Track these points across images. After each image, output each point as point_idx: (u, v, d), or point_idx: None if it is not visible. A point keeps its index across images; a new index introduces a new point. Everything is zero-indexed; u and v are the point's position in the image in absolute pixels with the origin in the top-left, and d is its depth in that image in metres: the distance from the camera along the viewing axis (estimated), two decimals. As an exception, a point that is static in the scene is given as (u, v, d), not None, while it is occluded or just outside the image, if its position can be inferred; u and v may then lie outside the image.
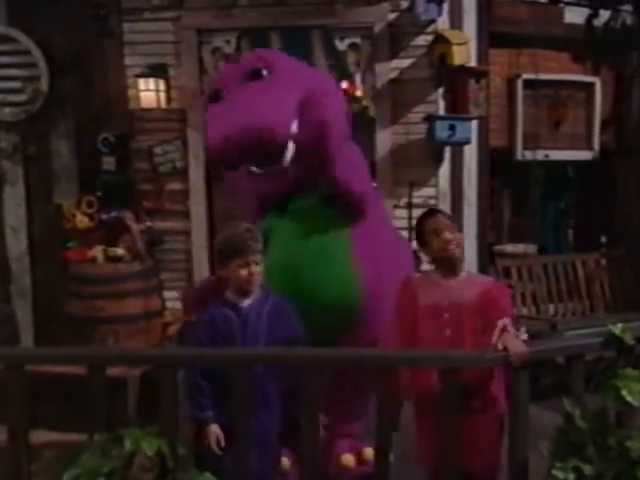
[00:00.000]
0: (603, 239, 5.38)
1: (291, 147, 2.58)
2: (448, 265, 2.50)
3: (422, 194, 4.60)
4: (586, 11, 4.96)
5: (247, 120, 2.40)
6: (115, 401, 2.47)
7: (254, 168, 2.66)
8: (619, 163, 5.33)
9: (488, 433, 2.46)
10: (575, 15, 4.97)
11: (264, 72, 2.62)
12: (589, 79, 5.14)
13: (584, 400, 2.36)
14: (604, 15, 5.01)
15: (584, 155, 5.17)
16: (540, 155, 4.94)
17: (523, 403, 2.36)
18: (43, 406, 2.89)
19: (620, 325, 2.45)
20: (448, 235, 2.47)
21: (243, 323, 2.47)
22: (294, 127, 2.58)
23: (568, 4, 4.91)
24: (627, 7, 5.05)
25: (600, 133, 5.19)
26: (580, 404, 2.33)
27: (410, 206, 4.56)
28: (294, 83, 2.65)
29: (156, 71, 4.66)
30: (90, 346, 4.01)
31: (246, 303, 2.51)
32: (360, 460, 3.01)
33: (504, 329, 2.31)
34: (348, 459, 3.00)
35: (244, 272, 2.49)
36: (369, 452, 2.88)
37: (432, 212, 2.66)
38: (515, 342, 2.28)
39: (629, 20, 5.07)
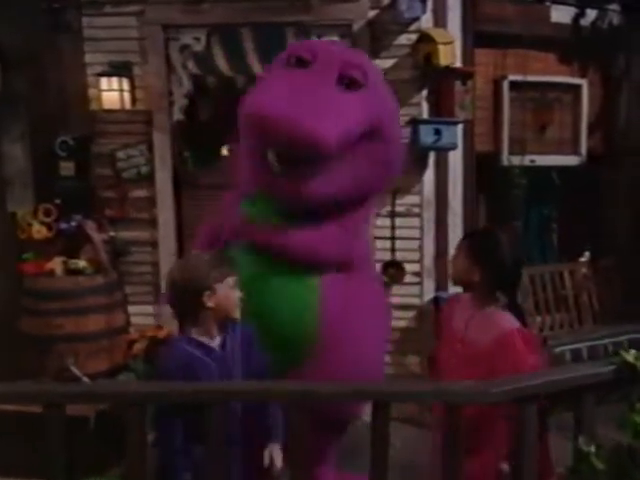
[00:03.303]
0: (588, 247, 5.22)
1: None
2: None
3: (405, 202, 4.36)
4: (573, 10, 4.79)
5: (303, 119, 2.30)
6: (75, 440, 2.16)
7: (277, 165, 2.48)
8: (607, 168, 5.16)
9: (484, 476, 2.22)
10: (562, 14, 4.79)
11: (360, 85, 2.53)
12: (576, 81, 4.95)
13: (598, 436, 2.15)
14: (591, 14, 4.85)
15: (571, 160, 4.99)
16: (526, 160, 4.74)
17: (530, 441, 2.14)
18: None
19: (633, 352, 2.25)
20: None
21: (220, 368, 2.15)
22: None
23: (555, 2, 4.73)
24: (614, 6, 4.90)
25: (587, 137, 5.01)
26: (595, 441, 2.11)
27: (393, 215, 4.33)
28: (372, 106, 2.54)
29: (119, 69, 4.37)
30: (48, 383, 3.70)
31: (217, 342, 2.19)
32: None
33: None
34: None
35: (237, 293, 2.19)
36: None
37: None
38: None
39: (616, 20, 4.93)
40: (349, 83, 2.50)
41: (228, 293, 2.16)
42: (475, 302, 2.32)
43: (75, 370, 3.89)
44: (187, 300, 2.12)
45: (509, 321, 2.25)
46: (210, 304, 2.12)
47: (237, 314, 2.20)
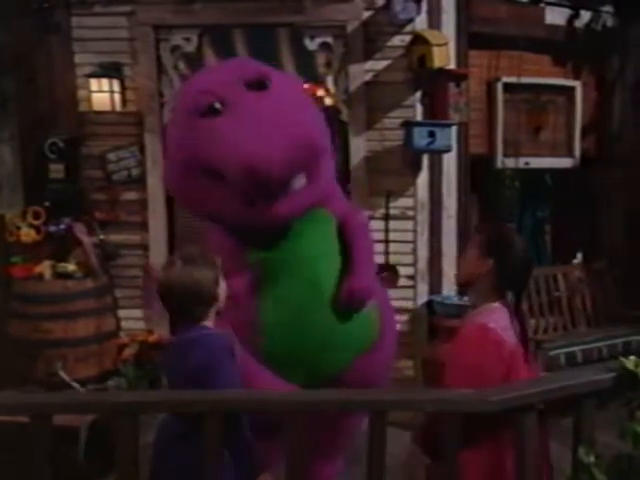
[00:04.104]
0: (581, 250, 5.21)
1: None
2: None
3: (399, 204, 4.33)
4: (567, 12, 4.77)
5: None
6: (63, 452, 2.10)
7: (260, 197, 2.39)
8: (600, 170, 5.13)
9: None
10: (556, 16, 4.77)
11: (267, 82, 2.46)
12: (570, 83, 4.93)
13: (597, 443, 2.12)
14: (585, 16, 4.84)
15: (565, 162, 4.96)
16: (520, 162, 4.71)
17: (530, 449, 2.09)
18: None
19: (633, 358, 2.21)
20: None
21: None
22: None
23: (549, 4, 4.71)
24: (608, 8, 4.89)
25: (581, 139, 4.98)
26: (595, 449, 2.07)
27: (387, 217, 4.30)
28: (296, 96, 2.55)
29: (109, 71, 4.32)
30: (35, 391, 3.64)
31: None
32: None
33: None
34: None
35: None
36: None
37: None
38: None
39: (610, 22, 4.92)
40: (258, 84, 2.44)
41: (223, 286, 2.18)
42: (476, 299, 2.23)
43: (64, 375, 3.86)
44: (199, 300, 2.09)
45: (484, 318, 2.10)
46: (221, 299, 2.16)
47: None
